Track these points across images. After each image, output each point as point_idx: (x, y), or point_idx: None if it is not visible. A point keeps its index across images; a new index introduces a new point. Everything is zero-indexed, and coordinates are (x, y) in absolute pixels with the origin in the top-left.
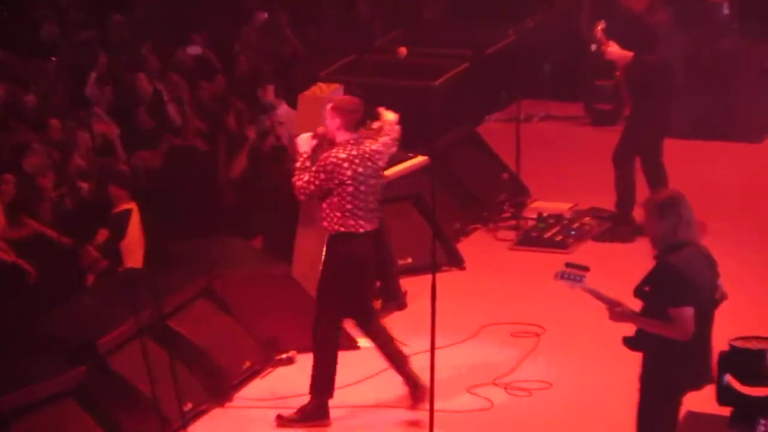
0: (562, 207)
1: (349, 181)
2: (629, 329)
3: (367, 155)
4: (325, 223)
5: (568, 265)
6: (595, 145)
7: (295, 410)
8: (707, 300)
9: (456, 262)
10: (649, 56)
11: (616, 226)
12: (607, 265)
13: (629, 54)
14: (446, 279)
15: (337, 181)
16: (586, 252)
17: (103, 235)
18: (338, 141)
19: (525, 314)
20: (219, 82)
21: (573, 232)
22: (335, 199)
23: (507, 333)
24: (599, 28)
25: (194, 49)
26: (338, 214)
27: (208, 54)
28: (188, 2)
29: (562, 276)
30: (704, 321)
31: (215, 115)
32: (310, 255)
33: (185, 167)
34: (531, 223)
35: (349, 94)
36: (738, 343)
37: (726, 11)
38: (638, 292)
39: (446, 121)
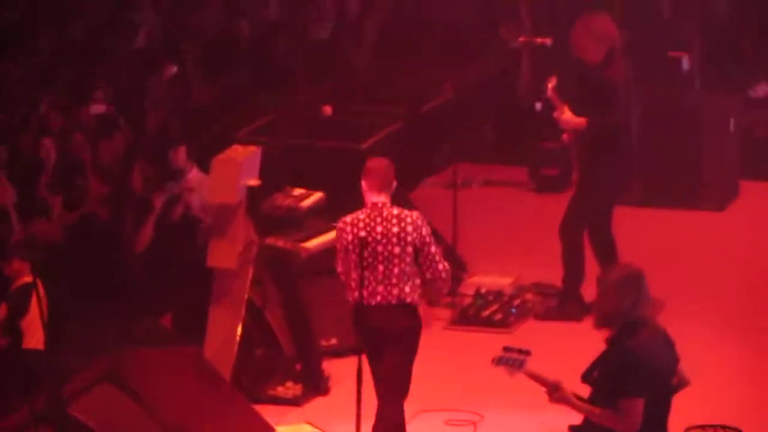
0: (503, 282)
1: (349, 246)
2: (575, 417)
3: (380, 219)
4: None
5: (506, 349)
6: (540, 214)
7: None
8: (664, 387)
9: None
10: (605, 120)
11: (563, 304)
12: (552, 346)
13: (582, 121)
14: None
15: (343, 249)
16: (528, 332)
17: (1, 311)
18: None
19: (461, 400)
20: (118, 141)
21: (514, 310)
22: (349, 266)
23: (441, 421)
24: (550, 85)
25: (98, 107)
26: (350, 283)
27: (112, 112)
28: (90, 51)
29: (500, 361)
30: (660, 410)
31: (118, 179)
32: (223, 334)
33: (87, 238)
34: (468, 300)
35: (268, 157)
36: None
37: (686, 66)
38: (586, 378)
39: None
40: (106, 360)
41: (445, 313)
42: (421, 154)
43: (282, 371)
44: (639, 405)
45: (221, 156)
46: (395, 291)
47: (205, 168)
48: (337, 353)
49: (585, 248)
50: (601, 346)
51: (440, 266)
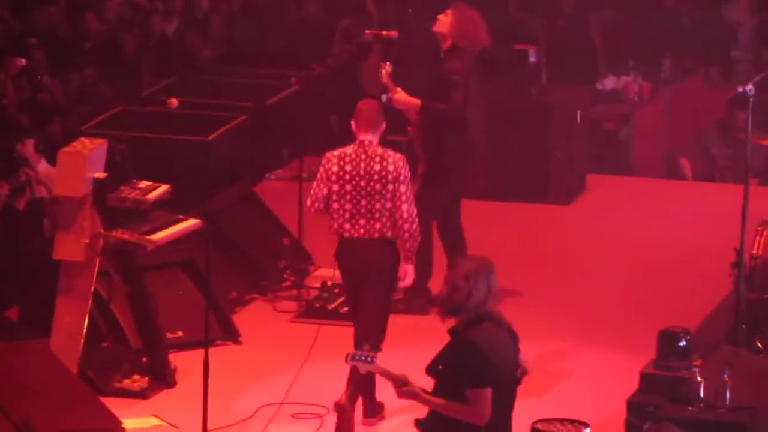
0: None
1: (333, 178)
2: (422, 410)
3: (364, 155)
4: None
5: (359, 345)
6: None
7: None
8: (508, 378)
9: (231, 335)
10: (440, 104)
11: (409, 297)
12: (399, 339)
13: (416, 101)
14: (220, 354)
15: (325, 177)
16: None
17: None
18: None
19: (307, 393)
20: None
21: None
22: (330, 197)
23: (288, 414)
24: (384, 71)
25: None
26: (331, 212)
27: None
28: None
29: (353, 358)
30: (505, 401)
31: None
32: (69, 326)
33: None
34: (314, 292)
35: (114, 149)
36: (540, 426)
37: (533, 58)
38: (431, 370)
39: (221, 180)
40: None
41: (291, 306)
42: (266, 146)
43: (128, 364)
44: (487, 394)
45: (67, 149)
46: (377, 225)
47: (53, 161)
48: (184, 345)
49: (433, 242)
50: (446, 339)
51: (404, 206)
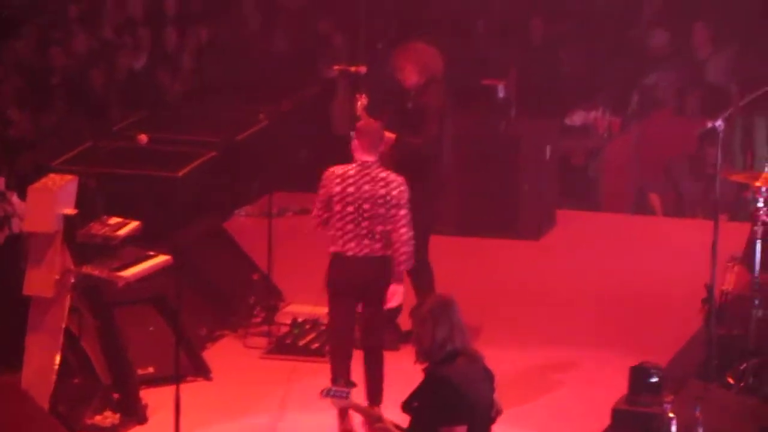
0: (319, 311)
1: (335, 198)
2: None
3: (368, 178)
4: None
5: (335, 381)
6: None
7: None
8: (483, 417)
9: (202, 371)
10: (414, 138)
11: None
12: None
13: (391, 136)
14: (191, 390)
15: (326, 196)
16: None
17: None
18: (354, 159)
19: (278, 430)
20: None
21: None
22: (332, 216)
23: None
24: (360, 103)
25: None
26: (331, 232)
27: None
28: None
29: (327, 393)
30: None
31: None
32: (41, 362)
33: None
34: (284, 329)
35: (84, 185)
36: None
37: (502, 94)
38: (406, 407)
39: (191, 216)
40: None
41: (262, 342)
42: (235, 182)
43: (99, 400)
44: None
45: (36, 185)
46: (378, 246)
47: (23, 196)
48: (154, 381)
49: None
50: (420, 375)
51: (403, 230)
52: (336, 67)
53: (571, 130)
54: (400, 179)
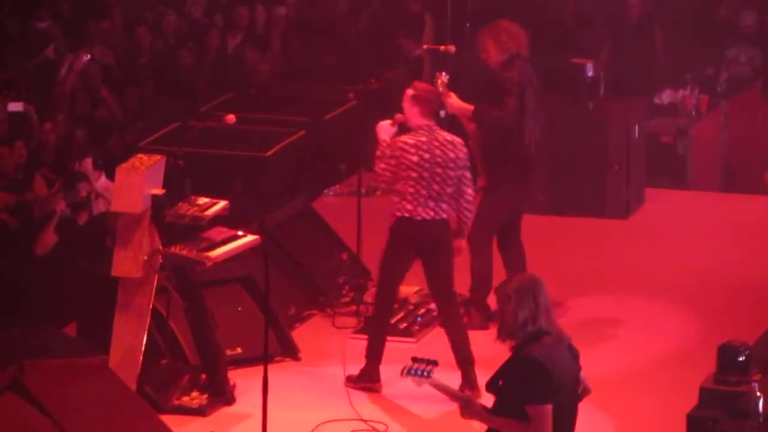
0: (408, 291)
1: (413, 167)
2: (481, 428)
3: (437, 143)
4: (393, 210)
5: (414, 359)
6: None
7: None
8: (569, 395)
9: (290, 351)
10: (493, 110)
11: (469, 313)
12: None
13: (470, 106)
14: (279, 370)
15: (403, 166)
16: (433, 340)
17: None
18: (413, 126)
19: (366, 410)
20: (20, 150)
21: (419, 319)
22: (400, 184)
23: (347, 430)
24: (440, 80)
25: (16, 105)
26: (398, 198)
27: (30, 111)
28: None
29: (408, 372)
30: (566, 418)
31: (21, 187)
32: (128, 343)
33: None
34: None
35: (172, 165)
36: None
37: (590, 72)
38: (491, 387)
39: (280, 195)
40: (10, 369)
41: (351, 322)
42: (324, 162)
43: (187, 381)
44: (547, 411)
45: (125, 165)
46: (444, 206)
47: (112, 176)
48: (242, 362)
49: (494, 256)
50: (506, 354)
51: (470, 189)
52: (425, 46)
53: (659, 108)
54: (458, 139)
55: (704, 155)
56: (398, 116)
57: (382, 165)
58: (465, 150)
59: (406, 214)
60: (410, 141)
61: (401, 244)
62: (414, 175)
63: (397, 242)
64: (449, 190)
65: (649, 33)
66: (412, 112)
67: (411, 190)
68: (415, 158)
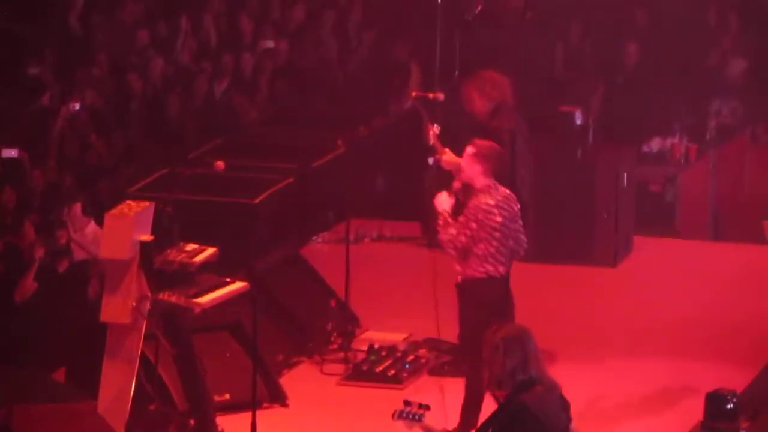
0: (396, 338)
1: (498, 228)
2: None
3: (505, 199)
4: (467, 271)
5: (406, 403)
6: (433, 269)
7: None
8: None
9: (278, 398)
10: None
11: (457, 360)
12: (446, 402)
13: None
14: (268, 417)
15: (488, 228)
16: (422, 387)
17: None
18: (479, 187)
19: None
20: (9, 196)
21: (408, 366)
22: (481, 245)
23: None
24: (432, 133)
25: (10, 152)
26: (477, 260)
27: (24, 158)
28: None
29: (400, 415)
30: None
31: (9, 231)
32: (117, 388)
33: None
34: (361, 355)
35: (161, 212)
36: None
37: (579, 120)
38: None
39: (268, 242)
40: None
41: (339, 368)
42: (312, 209)
43: (175, 426)
44: None
45: (113, 211)
46: (511, 259)
47: (101, 222)
48: (231, 408)
49: None
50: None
51: (524, 236)
52: (414, 94)
53: (648, 156)
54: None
55: (693, 203)
56: (455, 185)
57: (452, 231)
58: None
59: (490, 274)
60: (491, 202)
61: (489, 305)
62: (498, 235)
63: (484, 303)
64: (513, 243)
65: (643, 81)
66: (475, 171)
67: (493, 250)
68: (499, 219)
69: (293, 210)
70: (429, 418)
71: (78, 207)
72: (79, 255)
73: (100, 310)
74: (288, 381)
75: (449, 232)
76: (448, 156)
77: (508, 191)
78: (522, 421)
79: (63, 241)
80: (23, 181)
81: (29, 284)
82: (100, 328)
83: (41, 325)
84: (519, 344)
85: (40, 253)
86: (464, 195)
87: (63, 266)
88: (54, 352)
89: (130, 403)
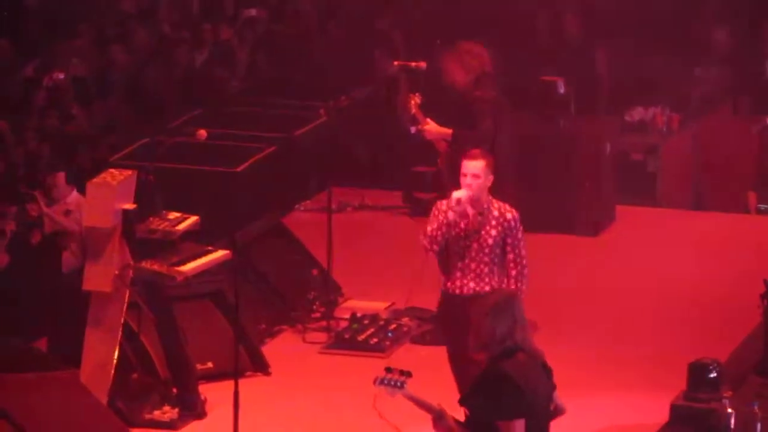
0: (378, 306)
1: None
2: None
3: None
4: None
5: (388, 370)
6: (415, 238)
7: None
8: (541, 412)
9: (261, 366)
10: (470, 132)
11: (439, 328)
12: (429, 370)
13: (448, 131)
14: (250, 385)
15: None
16: (404, 356)
17: None
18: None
19: (337, 425)
20: None
21: (390, 334)
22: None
23: None
24: (413, 102)
25: None
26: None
27: (3, 127)
28: None
29: (381, 382)
30: None
31: None
32: (99, 357)
33: None
34: (343, 324)
35: (143, 180)
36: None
37: (562, 90)
38: (464, 402)
39: (250, 211)
40: None
41: (321, 337)
42: (294, 177)
43: (158, 395)
44: (518, 426)
45: (96, 180)
46: None
47: (83, 192)
48: (213, 377)
49: None
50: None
51: None
52: (396, 63)
53: (630, 126)
54: None
55: (674, 173)
56: (439, 162)
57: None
58: None
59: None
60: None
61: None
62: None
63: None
64: None
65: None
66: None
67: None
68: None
69: (275, 179)
70: (410, 386)
71: (62, 176)
72: (48, 228)
73: (76, 280)
74: (270, 350)
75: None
76: (430, 126)
77: None
78: (503, 389)
79: (34, 213)
80: (6, 150)
81: (0, 257)
82: (80, 298)
83: (16, 296)
84: (508, 311)
85: (11, 226)
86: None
87: (36, 238)
88: (33, 323)
89: (112, 372)
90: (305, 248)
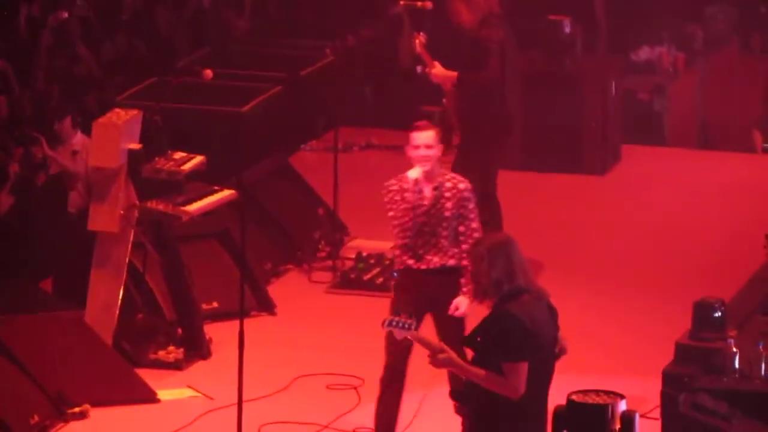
0: (384, 246)
1: None
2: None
3: None
4: None
5: (395, 312)
6: None
7: None
8: (546, 353)
9: (266, 306)
10: (477, 74)
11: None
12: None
13: (453, 74)
14: (255, 325)
15: None
16: None
17: None
18: None
19: (342, 364)
20: (2, 106)
21: (396, 274)
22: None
23: (322, 385)
24: (418, 41)
25: None
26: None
27: (6, 68)
28: None
29: (390, 324)
30: (542, 376)
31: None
32: (104, 298)
33: None
34: (349, 263)
35: (149, 120)
36: (576, 398)
37: (568, 29)
38: (469, 342)
39: (256, 151)
40: None
41: (327, 277)
42: (301, 117)
43: (163, 335)
44: (523, 368)
45: (102, 120)
46: None
47: (89, 133)
48: (219, 317)
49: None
50: (484, 311)
51: None
52: (402, 2)
53: (636, 65)
54: None
55: (681, 112)
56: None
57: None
58: None
59: None
60: None
61: None
62: None
63: None
64: None
65: None
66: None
67: None
68: None
69: (281, 118)
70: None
71: (68, 120)
72: (53, 170)
73: (82, 221)
74: (276, 289)
75: None
76: (437, 69)
77: None
78: (508, 329)
79: (40, 155)
80: (10, 91)
81: (5, 198)
82: (85, 238)
83: (22, 237)
84: (503, 254)
85: (15, 168)
86: None
87: (40, 180)
88: (39, 263)
89: (117, 312)
90: (311, 188)
